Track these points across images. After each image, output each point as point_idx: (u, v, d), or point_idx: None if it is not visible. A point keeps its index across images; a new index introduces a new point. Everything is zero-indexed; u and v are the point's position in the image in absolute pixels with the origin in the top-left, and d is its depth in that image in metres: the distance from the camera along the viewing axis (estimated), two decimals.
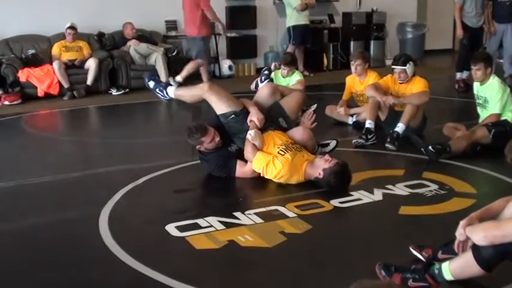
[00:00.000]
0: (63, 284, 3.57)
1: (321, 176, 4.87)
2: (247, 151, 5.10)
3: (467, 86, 9.68)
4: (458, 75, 10.37)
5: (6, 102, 9.43)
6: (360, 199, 4.73)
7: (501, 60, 10.56)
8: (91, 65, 10.35)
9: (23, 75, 9.81)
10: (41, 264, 3.86)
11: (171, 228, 4.19)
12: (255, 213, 4.43)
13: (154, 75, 5.56)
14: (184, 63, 10.52)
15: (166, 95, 5.55)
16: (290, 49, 11.52)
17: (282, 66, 7.87)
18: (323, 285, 3.43)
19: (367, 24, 13.48)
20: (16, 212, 4.84)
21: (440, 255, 3.40)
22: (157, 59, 10.70)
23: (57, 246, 4.14)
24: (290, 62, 7.91)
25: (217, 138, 5.17)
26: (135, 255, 3.77)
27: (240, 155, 5.22)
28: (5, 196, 5.12)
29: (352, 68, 7.42)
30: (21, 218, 4.73)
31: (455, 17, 10.39)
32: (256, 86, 7.35)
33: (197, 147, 5.25)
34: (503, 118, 6.08)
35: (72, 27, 10.57)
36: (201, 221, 4.29)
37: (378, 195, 4.81)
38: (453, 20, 11.77)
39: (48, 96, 9.93)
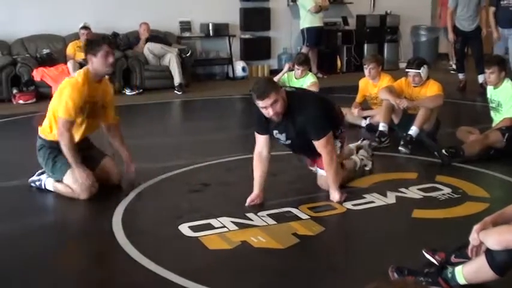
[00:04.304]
0: (76, 282, 3.60)
1: None
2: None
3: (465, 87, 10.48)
4: (460, 75, 10.67)
5: (21, 101, 9.48)
6: (372, 202, 4.74)
7: None
8: None
9: (37, 74, 9.84)
10: (55, 262, 3.90)
11: (184, 228, 4.21)
12: (268, 215, 4.44)
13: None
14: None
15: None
16: (304, 51, 11.52)
17: (296, 66, 7.88)
18: None
19: (381, 26, 13.46)
20: (30, 210, 4.89)
21: (453, 259, 3.39)
22: (171, 59, 10.72)
23: (71, 244, 4.18)
24: (303, 62, 7.92)
25: None
26: (148, 255, 3.79)
27: None
28: (19, 194, 5.15)
29: (366, 71, 7.41)
30: (35, 215, 4.78)
31: (447, 20, 10.49)
32: None
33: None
34: None
35: (86, 27, 10.61)
36: (214, 221, 4.31)
37: (391, 198, 4.81)
38: None
39: None
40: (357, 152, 5.61)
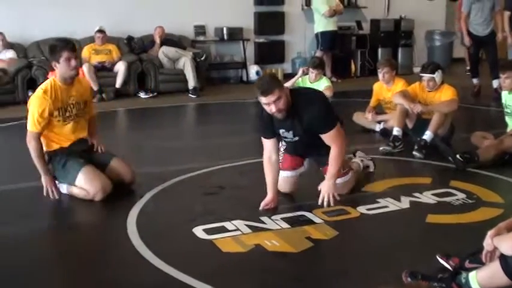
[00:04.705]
0: (91, 284, 3.61)
1: None
2: None
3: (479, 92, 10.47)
4: (475, 80, 10.62)
5: None
6: (386, 206, 4.73)
7: None
8: (120, 68, 10.47)
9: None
10: (69, 264, 3.92)
11: (199, 231, 4.23)
12: (282, 218, 4.45)
13: None
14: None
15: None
16: (318, 55, 11.53)
17: (310, 69, 7.89)
18: None
19: (395, 31, 13.47)
20: (45, 212, 4.95)
21: (467, 264, 3.38)
22: (185, 63, 10.77)
23: (85, 247, 4.20)
24: (318, 65, 7.93)
25: None
26: (162, 257, 3.80)
27: None
28: (35, 196, 5.18)
29: (380, 75, 7.40)
30: (50, 217, 4.86)
31: (461, 25, 10.46)
32: None
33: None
34: None
35: (101, 31, 10.70)
36: (228, 224, 4.32)
37: (404, 203, 4.80)
38: None
39: None
40: (354, 155, 5.62)
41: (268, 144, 4.79)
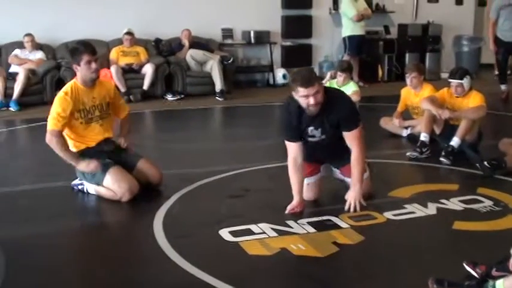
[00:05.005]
0: (116, 283, 3.65)
1: None
2: None
3: (508, 98, 10.44)
4: (503, 87, 10.62)
5: None
6: (413, 212, 4.71)
7: None
8: (148, 70, 10.54)
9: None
10: (96, 263, 3.97)
11: (225, 233, 4.25)
12: (308, 223, 4.45)
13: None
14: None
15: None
16: (345, 59, 11.51)
17: (338, 72, 7.87)
18: None
19: (423, 36, 13.39)
20: (72, 211, 5.00)
21: (494, 272, 3.36)
22: (213, 66, 10.81)
23: (112, 246, 4.24)
24: (346, 69, 7.90)
25: None
26: (188, 258, 3.83)
27: None
28: (63, 195, 5.25)
29: (408, 80, 7.37)
30: (77, 217, 4.89)
31: (489, 31, 10.41)
32: None
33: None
34: None
35: (129, 33, 10.79)
36: (254, 227, 4.33)
37: (431, 209, 4.78)
38: None
39: None
40: None
41: (293, 147, 4.77)
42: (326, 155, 5.03)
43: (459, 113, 6.48)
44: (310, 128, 4.71)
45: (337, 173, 5.10)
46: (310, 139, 4.81)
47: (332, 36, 12.88)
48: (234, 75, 11.78)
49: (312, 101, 4.43)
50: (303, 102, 4.50)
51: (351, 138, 4.69)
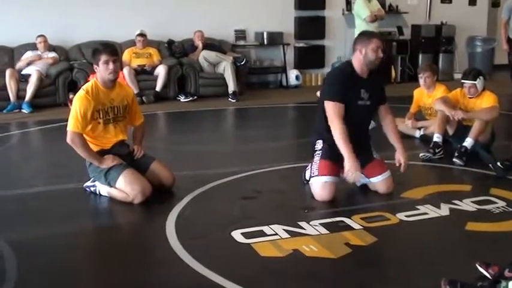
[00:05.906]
0: (128, 285, 3.66)
1: None
2: None
3: None
4: None
5: None
6: (426, 213, 4.70)
7: None
8: (160, 71, 10.56)
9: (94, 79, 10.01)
10: (108, 265, 3.98)
11: (237, 234, 4.25)
12: (321, 224, 4.45)
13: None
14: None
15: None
16: None
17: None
18: None
19: (436, 37, 13.35)
20: (84, 213, 5.02)
21: (507, 273, 3.35)
22: (226, 67, 10.82)
23: (124, 248, 4.25)
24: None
25: None
26: (200, 259, 3.84)
27: None
28: (75, 197, 5.27)
29: (421, 81, 7.35)
30: (90, 218, 4.91)
31: (501, 32, 10.37)
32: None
33: None
34: None
35: (142, 34, 10.82)
36: (266, 229, 4.33)
37: (444, 210, 4.76)
38: None
39: None
40: None
41: (340, 107, 4.96)
42: (360, 133, 5.17)
43: (472, 113, 6.45)
44: (362, 90, 5.07)
45: (361, 176, 5.13)
46: (360, 102, 5.06)
47: (345, 37, 12.84)
48: (246, 77, 11.79)
49: (380, 53, 5.01)
50: (372, 55, 5.03)
51: (384, 110, 5.32)
